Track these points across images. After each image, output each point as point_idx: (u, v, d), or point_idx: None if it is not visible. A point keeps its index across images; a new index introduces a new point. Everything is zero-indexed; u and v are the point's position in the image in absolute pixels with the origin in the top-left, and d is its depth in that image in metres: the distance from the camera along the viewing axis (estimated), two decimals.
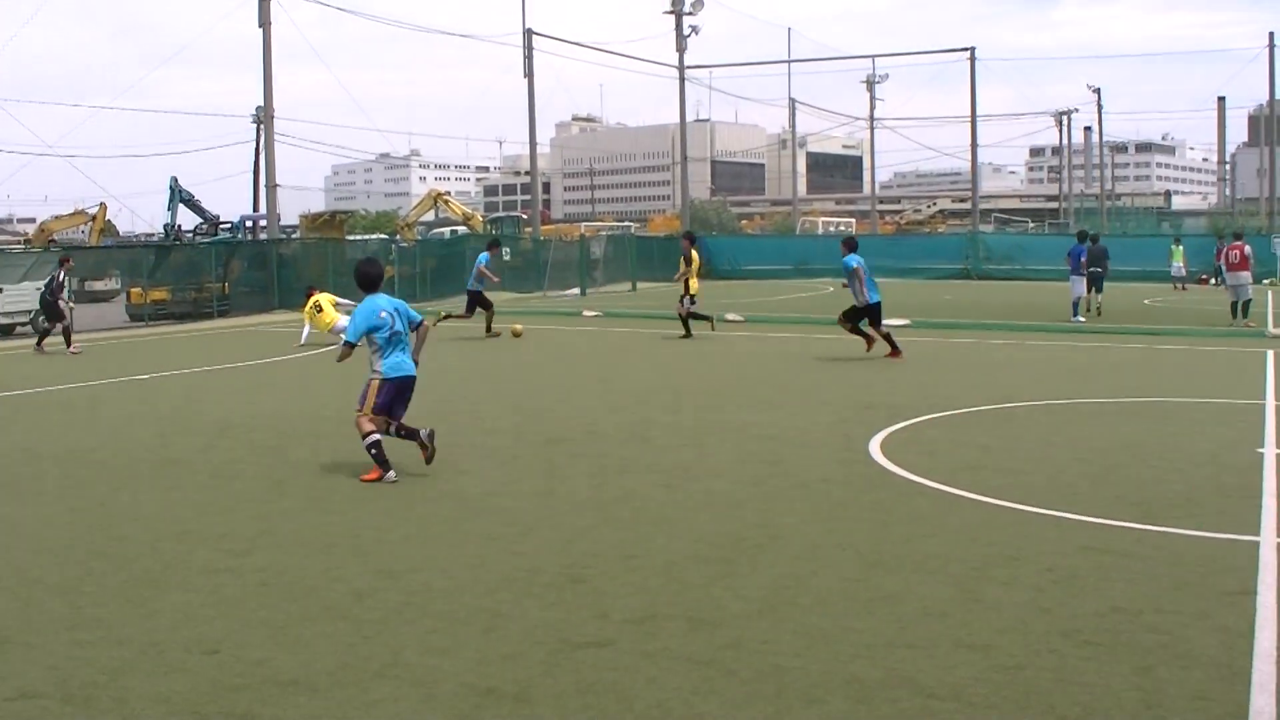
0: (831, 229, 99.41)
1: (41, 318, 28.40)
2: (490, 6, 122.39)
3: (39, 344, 27.12)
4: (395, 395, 11.93)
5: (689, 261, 26.22)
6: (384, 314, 11.88)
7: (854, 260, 21.75)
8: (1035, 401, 16.16)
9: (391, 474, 11.52)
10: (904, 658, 6.52)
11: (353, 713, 5.91)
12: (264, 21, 45.21)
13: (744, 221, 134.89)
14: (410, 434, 11.85)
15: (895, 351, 21.53)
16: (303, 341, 26.11)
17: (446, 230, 70.09)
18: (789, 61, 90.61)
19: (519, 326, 20.03)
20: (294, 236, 56.55)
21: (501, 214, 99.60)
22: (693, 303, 26.71)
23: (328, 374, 20.72)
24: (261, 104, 47.72)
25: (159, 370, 22.01)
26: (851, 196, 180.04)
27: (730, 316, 30.14)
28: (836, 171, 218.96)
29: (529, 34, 56.56)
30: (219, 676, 6.45)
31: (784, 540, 9.07)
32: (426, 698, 6.07)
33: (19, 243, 64.47)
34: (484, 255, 28.69)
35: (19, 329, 36.25)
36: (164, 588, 8.15)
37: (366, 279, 12.26)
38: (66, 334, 27.13)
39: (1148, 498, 10.33)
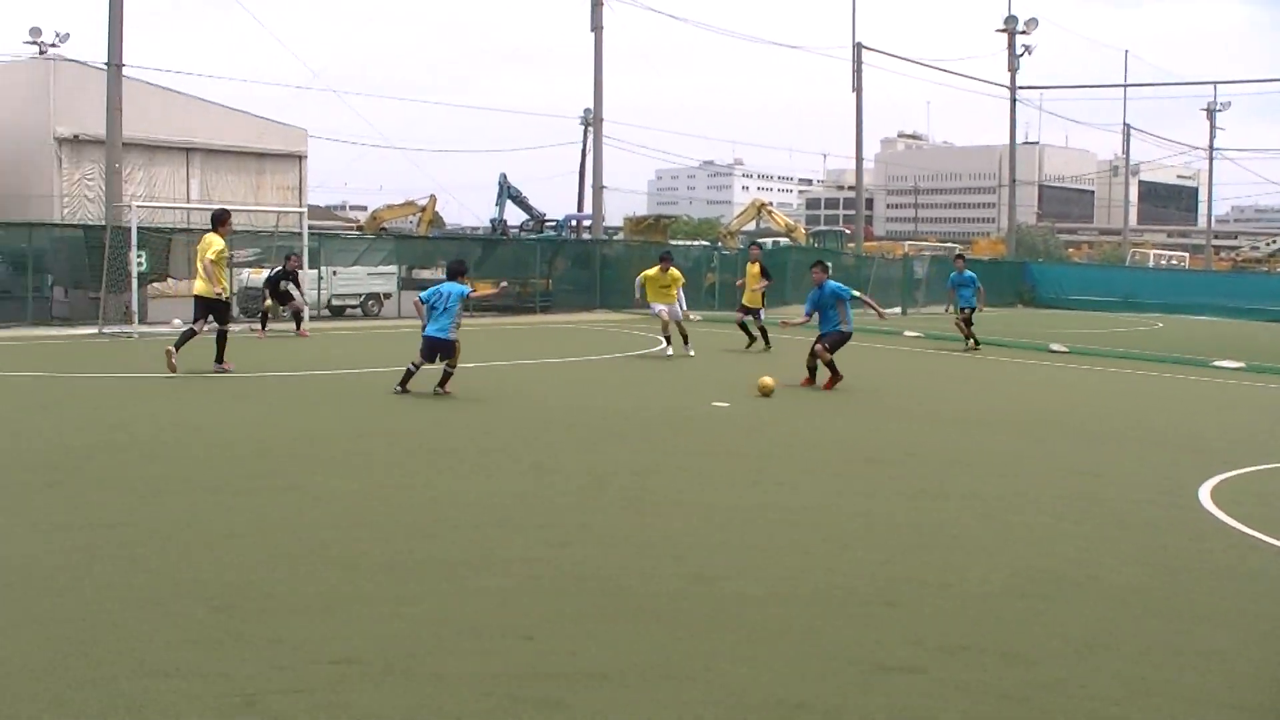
0: (1163, 262, 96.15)
1: (267, 301, 30.08)
2: (820, 19, 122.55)
3: (262, 327, 29.17)
4: (428, 347, 17.71)
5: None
6: (442, 294, 17.77)
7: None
8: None
9: (397, 388, 17.58)
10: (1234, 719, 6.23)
11: (662, 713, 5.95)
12: (596, 25, 46.13)
13: (1070, 249, 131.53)
14: (441, 380, 17.76)
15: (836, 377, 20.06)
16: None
17: (768, 241, 70.18)
18: (1125, 85, 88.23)
19: (770, 381, 18.82)
20: (617, 238, 57.51)
21: (824, 228, 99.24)
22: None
23: (655, 375, 20.98)
24: (590, 107, 48.71)
25: (482, 361, 22.62)
26: (1185, 229, 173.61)
27: (1055, 347, 29.41)
28: (1170, 202, 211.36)
29: (859, 48, 56.31)
30: (533, 663, 6.58)
31: (1104, 581, 8.75)
32: (736, 706, 6.07)
33: (352, 229, 67.13)
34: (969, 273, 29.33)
35: (349, 310, 38.00)
36: (484, 572, 8.37)
37: (450, 272, 18.37)
38: (298, 317, 29.52)
39: None
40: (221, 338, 20.22)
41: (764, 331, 27.52)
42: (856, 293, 20.90)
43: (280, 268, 29.83)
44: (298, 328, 29.40)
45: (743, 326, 27.78)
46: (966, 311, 29.16)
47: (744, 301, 28.08)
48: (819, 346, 19.87)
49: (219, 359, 20.08)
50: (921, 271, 50.82)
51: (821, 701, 6.17)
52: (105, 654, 6.52)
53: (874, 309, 21.99)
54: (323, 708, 5.89)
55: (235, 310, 28.67)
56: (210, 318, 20.04)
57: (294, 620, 7.17)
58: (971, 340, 29.12)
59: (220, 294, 20.12)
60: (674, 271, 26.01)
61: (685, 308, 26.80)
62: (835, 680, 6.47)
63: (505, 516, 10.08)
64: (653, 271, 25.87)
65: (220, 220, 20.53)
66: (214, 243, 20.02)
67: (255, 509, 10.15)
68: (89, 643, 6.69)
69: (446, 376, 17.82)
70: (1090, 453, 14.66)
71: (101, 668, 6.33)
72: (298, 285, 30.04)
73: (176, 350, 19.45)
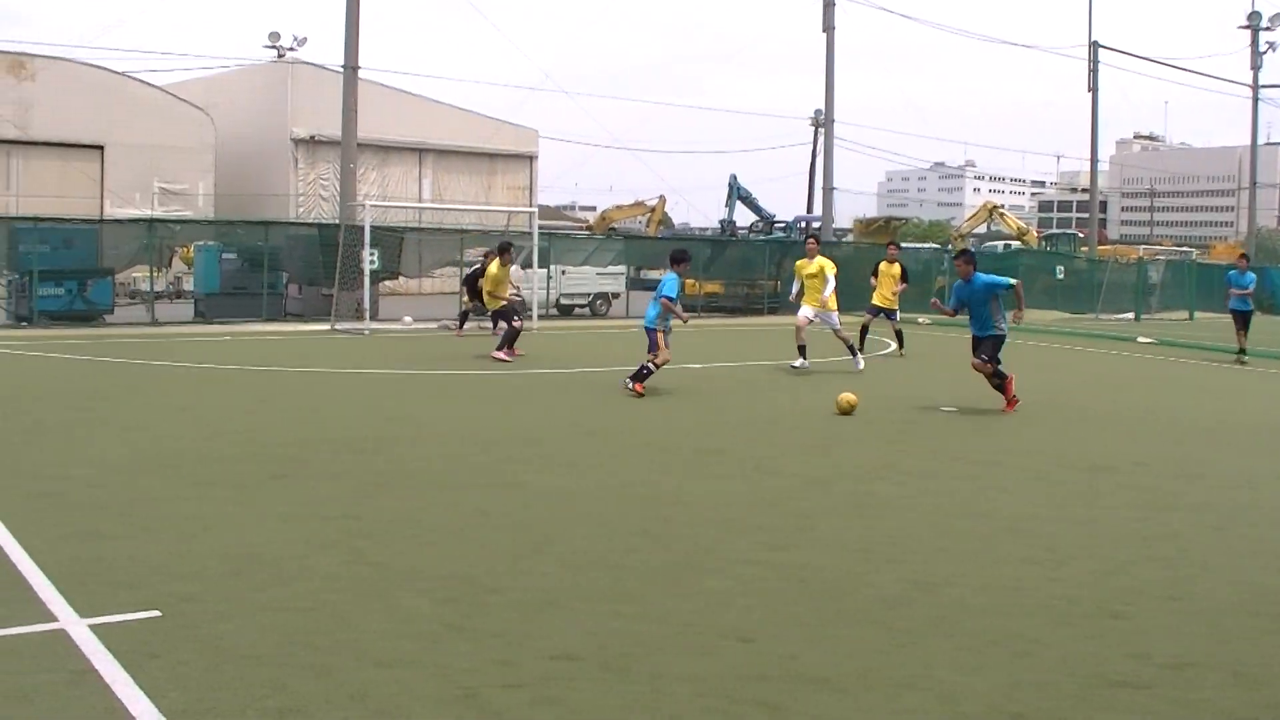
0: None
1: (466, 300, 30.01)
2: (1054, 18, 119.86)
3: (460, 326, 29.37)
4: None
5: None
6: (662, 283, 18.25)
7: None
8: None
9: (626, 384, 17.66)
10: None
11: (879, 718, 5.91)
12: (828, 26, 45.90)
13: None
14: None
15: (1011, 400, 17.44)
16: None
17: (999, 244, 68.97)
18: None
19: (851, 397, 16.60)
20: (846, 240, 57.16)
21: (1056, 231, 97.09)
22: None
23: (881, 378, 20.79)
24: (821, 107, 48.47)
25: (706, 361, 22.70)
26: None
27: None
28: None
29: (1094, 46, 54.93)
30: (750, 665, 6.58)
31: None
32: (953, 714, 5.99)
33: (581, 229, 67.96)
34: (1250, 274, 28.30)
35: (577, 310, 38.44)
36: (703, 572, 8.40)
37: (673, 260, 18.82)
38: (464, 318, 29.63)
39: None
40: (513, 332, 23.15)
41: (899, 334, 26.02)
42: (1014, 281, 18.05)
43: (480, 266, 29.47)
44: (460, 325, 29.23)
45: (868, 331, 25.53)
46: (1239, 316, 27.43)
47: (874, 301, 25.73)
48: (976, 361, 17.38)
49: (508, 347, 22.99)
50: (1156, 276, 49.39)
51: (1041, 713, 6.05)
52: (327, 643, 6.72)
53: (1020, 302, 18.43)
54: (540, 703, 5.97)
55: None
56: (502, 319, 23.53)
57: (513, 615, 7.29)
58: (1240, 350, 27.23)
59: (505, 300, 23.69)
60: (821, 260, 22.72)
61: (832, 297, 22.85)
62: (1055, 692, 6.34)
63: (725, 517, 10.11)
64: (800, 261, 23.12)
65: (503, 251, 24.08)
66: (494, 272, 23.64)
67: (477, 504, 10.35)
68: (312, 631, 6.90)
69: (640, 373, 17.77)
70: None
71: (323, 656, 6.52)
72: None
73: (509, 350, 22.84)
